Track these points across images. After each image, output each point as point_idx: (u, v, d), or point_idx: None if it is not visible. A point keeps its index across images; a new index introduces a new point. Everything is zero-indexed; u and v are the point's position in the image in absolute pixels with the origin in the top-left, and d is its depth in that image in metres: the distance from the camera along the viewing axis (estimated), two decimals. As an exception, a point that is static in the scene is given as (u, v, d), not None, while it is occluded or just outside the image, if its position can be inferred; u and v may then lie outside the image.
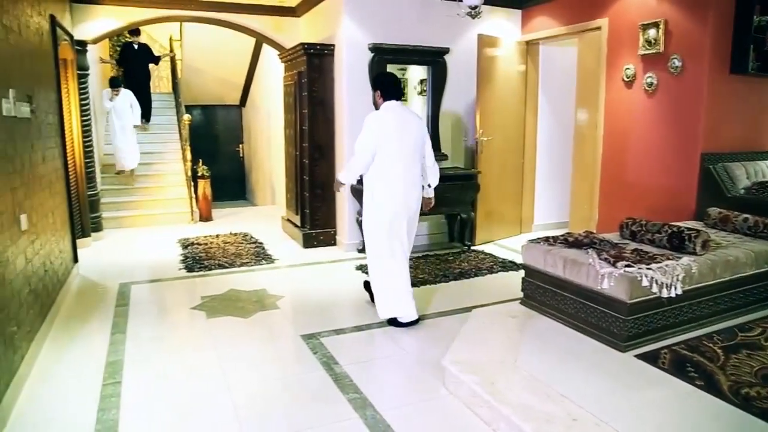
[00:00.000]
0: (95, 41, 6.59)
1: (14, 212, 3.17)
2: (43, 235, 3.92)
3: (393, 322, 3.88)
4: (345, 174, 3.94)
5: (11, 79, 3.31)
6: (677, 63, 4.83)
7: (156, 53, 9.66)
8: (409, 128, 3.78)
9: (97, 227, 6.65)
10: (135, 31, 8.79)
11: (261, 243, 6.46)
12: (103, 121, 8.46)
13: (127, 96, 8.20)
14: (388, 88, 3.84)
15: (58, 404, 2.85)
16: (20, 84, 3.52)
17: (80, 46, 6.13)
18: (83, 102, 6.24)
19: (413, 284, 4.73)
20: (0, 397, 2.64)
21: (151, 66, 9.51)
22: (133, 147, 8.19)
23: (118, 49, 9.95)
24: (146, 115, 9.21)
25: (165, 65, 11.30)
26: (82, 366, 3.28)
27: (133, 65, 9.03)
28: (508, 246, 6.30)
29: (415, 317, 3.86)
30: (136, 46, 8.99)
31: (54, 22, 4.87)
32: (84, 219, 6.22)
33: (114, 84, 8.10)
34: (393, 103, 3.82)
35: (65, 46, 5.47)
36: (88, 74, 6.39)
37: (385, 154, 3.70)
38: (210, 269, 5.32)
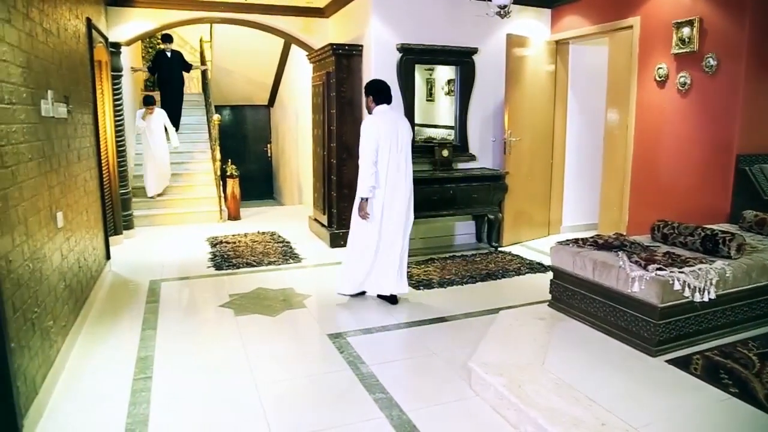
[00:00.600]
0: (129, 43, 6.74)
1: (51, 210, 3.26)
2: (78, 233, 4.02)
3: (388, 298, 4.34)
4: (364, 187, 4.10)
5: (50, 81, 3.41)
6: (712, 62, 4.71)
7: (187, 57, 9.66)
8: (399, 129, 4.16)
9: (129, 225, 6.80)
10: (168, 38, 8.87)
11: (288, 242, 6.51)
12: (133, 141, 8.35)
13: (161, 116, 8.04)
14: (379, 94, 4.23)
15: (91, 397, 2.92)
16: (58, 85, 3.63)
17: (114, 48, 6.27)
18: (117, 103, 6.38)
19: (440, 284, 4.77)
20: (37, 389, 2.72)
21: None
22: (165, 169, 8.06)
23: (150, 50, 10.08)
24: (175, 123, 8.86)
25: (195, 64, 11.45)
26: (114, 361, 3.36)
27: (166, 72, 9.03)
28: (535, 248, 6.23)
29: (405, 291, 4.34)
30: (169, 53, 8.97)
31: (90, 25, 5.00)
32: (116, 217, 6.36)
33: (148, 102, 7.95)
34: (384, 107, 4.23)
35: (100, 48, 5.60)
36: (121, 75, 6.54)
37: (379, 152, 4.06)
38: (238, 267, 5.39)
